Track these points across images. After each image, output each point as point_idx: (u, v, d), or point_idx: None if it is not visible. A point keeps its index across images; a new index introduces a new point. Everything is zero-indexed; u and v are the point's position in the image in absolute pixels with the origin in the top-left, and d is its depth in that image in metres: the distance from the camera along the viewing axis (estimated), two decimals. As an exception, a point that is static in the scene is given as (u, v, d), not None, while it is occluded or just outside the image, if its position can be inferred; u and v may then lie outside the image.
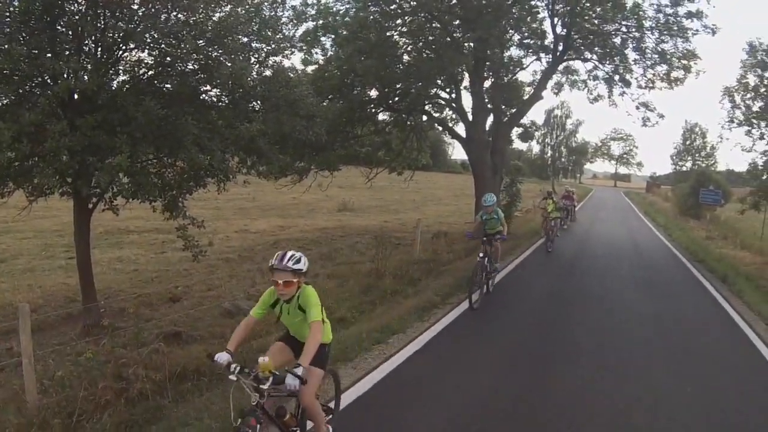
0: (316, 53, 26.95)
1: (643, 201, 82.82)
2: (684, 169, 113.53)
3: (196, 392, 9.18)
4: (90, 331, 12.65)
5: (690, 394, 9.86)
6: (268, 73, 13.78)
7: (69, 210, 15.34)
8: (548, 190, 35.12)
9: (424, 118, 31.75)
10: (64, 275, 19.18)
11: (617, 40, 27.73)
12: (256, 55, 13.57)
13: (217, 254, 23.00)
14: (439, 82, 28.20)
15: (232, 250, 24.64)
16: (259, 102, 14.04)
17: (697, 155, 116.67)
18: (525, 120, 32.71)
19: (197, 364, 9.78)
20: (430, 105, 30.87)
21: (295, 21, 24.05)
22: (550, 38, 28.75)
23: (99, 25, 11.19)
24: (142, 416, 8.19)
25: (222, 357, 6.16)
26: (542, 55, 29.49)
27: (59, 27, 10.99)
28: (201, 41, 11.88)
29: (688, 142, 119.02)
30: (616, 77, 29.10)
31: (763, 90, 25.24)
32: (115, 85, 12.04)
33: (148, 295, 16.42)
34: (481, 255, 15.58)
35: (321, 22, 25.84)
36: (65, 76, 10.49)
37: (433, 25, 26.27)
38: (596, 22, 26.93)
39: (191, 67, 12.29)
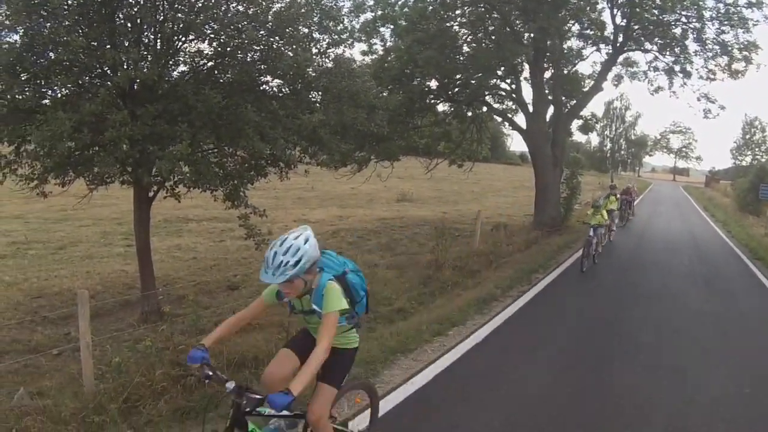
0: (376, 44, 26.93)
1: (702, 196, 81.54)
2: (744, 163, 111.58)
3: (254, 380, 9.14)
4: (148, 318, 12.77)
5: (749, 395, 9.63)
6: (329, 64, 13.69)
7: (127, 198, 15.48)
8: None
9: (484, 109, 31.52)
10: (122, 262, 19.39)
11: (677, 31, 27.19)
12: (317, 46, 13.50)
13: (277, 244, 23.04)
14: (499, 73, 28.00)
15: (291, 240, 24.63)
16: (320, 93, 13.97)
17: (757, 150, 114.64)
18: (585, 112, 32.36)
19: (255, 352, 9.77)
20: (490, 96, 30.63)
21: (354, 11, 24.04)
22: (609, 29, 28.36)
23: (158, 16, 11.23)
24: (198, 403, 8.18)
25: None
26: (602, 46, 29.10)
27: (118, 18, 11.05)
28: (261, 31, 11.87)
29: (747, 136, 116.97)
30: (677, 68, 28.55)
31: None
32: (175, 76, 12.09)
33: (207, 282, 16.51)
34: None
35: (380, 12, 25.82)
36: (125, 66, 10.52)
37: (493, 15, 26.07)
38: (656, 12, 26.37)
39: (251, 57, 12.26)
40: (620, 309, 14.99)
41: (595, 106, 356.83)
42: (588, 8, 26.84)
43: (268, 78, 13.04)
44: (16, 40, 10.16)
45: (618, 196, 28.61)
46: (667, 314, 14.64)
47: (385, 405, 8.19)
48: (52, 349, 10.92)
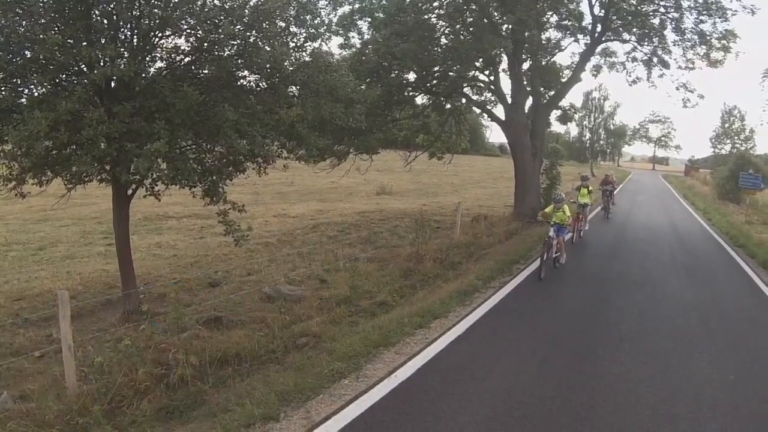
0: (353, 37, 26.87)
1: (682, 184, 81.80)
2: (723, 152, 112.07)
3: (237, 378, 9.18)
4: (130, 317, 12.73)
5: (732, 382, 9.72)
6: (306, 58, 13.66)
7: (107, 197, 15.42)
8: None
9: (463, 101, 31.58)
10: (103, 262, 19.32)
11: (656, 21, 27.26)
12: (294, 40, 13.47)
13: (256, 239, 23.02)
14: (477, 64, 27.99)
15: (271, 235, 24.69)
16: (298, 87, 13.94)
17: (736, 138, 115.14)
18: (564, 102, 32.37)
19: (238, 349, 9.79)
20: (469, 88, 30.62)
21: (332, 4, 24.00)
22: (588, 19, 28.40)
23: (134, 12, 11.15)
24: (182, 402, 8.22)
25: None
26: (580, 36, 29.15)
27: (94, 15, 10.97)
28: (238, 26, 11.81)
29: (726, 125, 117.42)
30: (655, 59, 28.66)
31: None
32: (152, 72, 12.04)
33: (188, 280, 16.46)
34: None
35: (357, 5, 25.73)
36: (101, 63, 10.45)
37: (471, 6, 26.04)
38: (634, 2, 26.50)
39: (229, 52, 12.22)
40: (603, 298, 15.09)
41: (573, 97, 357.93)
42: (566, -1, 26.90)
43: (246, 73, 13.02)
44: (-9, 39, 10.10)
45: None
46: (649, 303, 14.73)
47: (368, 399, 8.22)
48: (34, 352, 10.86)
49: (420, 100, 31.19)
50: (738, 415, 8.47)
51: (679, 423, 8.08)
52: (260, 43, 12.19)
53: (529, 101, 29.59)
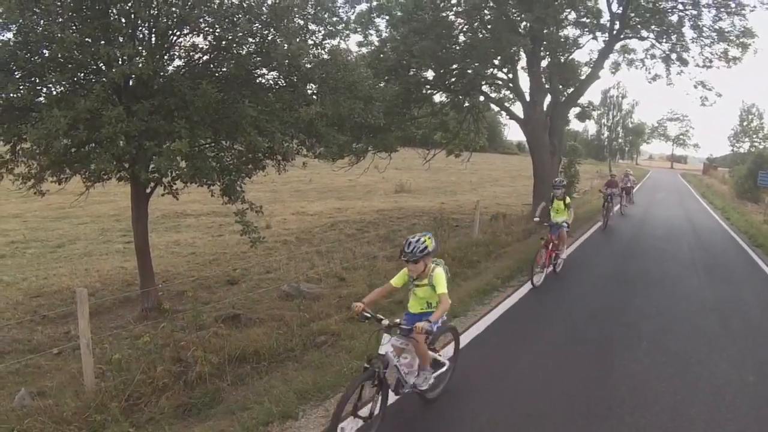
0: (371, 35, 26.84)
1: (700, 183, 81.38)
2: (741, 150, 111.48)
3: (256, 375, 9.16)
4: (148, 315, 12.78)
5: (752, 384, 9.61)
6: (325, 55, 13.64)
7: (126, 195, 15.46)
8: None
9: (481, 98, 31.44)
10: (121, 259, 19.38)
11: (674, 18, 27.07)
12: (313, 38, 13.45)
13: (275, 236, 23.07)
14: (495, 62, 27.85)
15: (289, 233, 24.73)
16: (316, 84, 13.92)
17: (754, 136, 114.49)
18: (582, 100, 32.15)
19: (256, 347, 9.77)
20: (487, 86, 30.50)
21: (350, 2, 23.99)
22: (606, 17, 28.21)
23: (152, 11, 11.14)
24: (200, 400, 8.21)
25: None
26: (598, 33, 28.92)
27: (112, 14, 10.97)
28: (256, 24, 11.80)
29: (745, 123, 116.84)
30: (674, 56, 28.51)
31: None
32: (170, 70, 12.05)
33: (206, 278, 16.50)
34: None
35: (375, 3, 25.73)
36: (119, 62, 10.45)
37: (489, 4, 25.94)
38: (652, -1, 26.39)
39: (247, 50, 12.20)
40: (622, 296, 15.00)
41: (592, 95, 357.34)
42: (584, -4, 26.78)
43: (264, 71, 13.00)
44: (9, 38, 10.13)
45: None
46: (668, 301, 14.65)
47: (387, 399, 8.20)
48: (53, 349, 10.90)
49: (438, 98, 31.19)
50: (758, 416, 8.39)
51: (698, 424, 8.01)
52: (278, 40, 12.17)
53: (548, 99, 29.43)
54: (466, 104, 31.41)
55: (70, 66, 10.63)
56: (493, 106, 33.91)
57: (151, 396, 8.04)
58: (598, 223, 27.56)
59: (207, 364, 8.87)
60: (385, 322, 7.20)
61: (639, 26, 27.95)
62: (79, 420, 7.40)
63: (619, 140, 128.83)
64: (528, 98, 28.58)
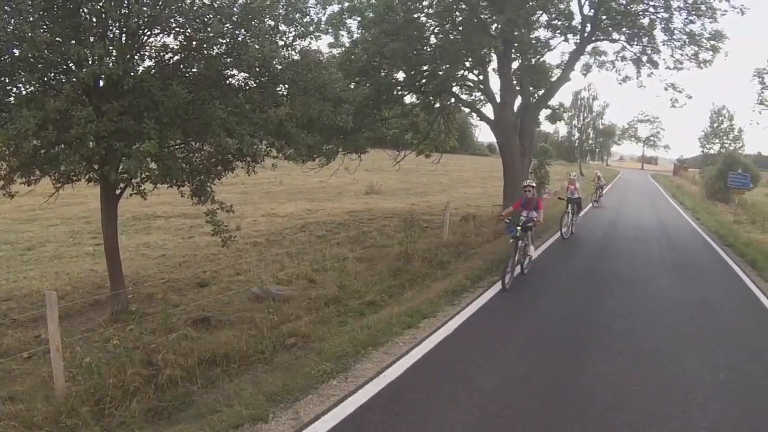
0: (343, 36, 26.85)
1: (671, 184, 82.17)
2: (712, 152, 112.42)
3: (226, 378, 9.17)
4: (118, 318, 12.68)
5: (722, 382, 9.74)
6: (295, 56, 13.65)
7: (96, 196, 15.37)
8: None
9: (452, 100, 31.59)
10: (91, 261, 19.26)
11: (645, 21, 27.29)
12: (284, 39, 13.46)
13: (245, 238, 23.02)
14: (466, 64, 27.99)
15: (259, 234, 24.67)
16: (286, 85, 13.93)
17: (724, 138, 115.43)
18: (553, 102, 32.46)
19: (226, 350, 9.77)
20: (458, 87, 30.66)
21: (321, 3, 24.02)
22: (577, 19, 28.33)
23: (123, 10, 11.09)
24: (171, 403, 8.20)
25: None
26: (570, 36, 29.01)
27: (83, 13, 10.92)
28: (227, 24, 11.78)
29: (715, 125, 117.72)
30: (644, 58, 28.75)
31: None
32: (140, 71, 11.99)
33: (176, 280, 16.44)
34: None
35: (347, 4, 25.72)
36: (90, 62, 10.41)
37: (461, 6, 26.01)
38: (623, 2, 26.53)
39: (217, 50, 12.19)
40: (592, 298, 15.11)
41: (563, 97, 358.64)
42: (556, -1, 26.89)
43: (234, 71, 12.99)
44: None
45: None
46: (639, 302, 14.77)
47: (357, 399, 8.22)
48: (23, 353, 10.82)
49: (409, 99, 31.18)
50: (729, 414, 8.48)
51: (669, 422, 8.07)
52: (249, 41, 12.17)
53: (519, 101, 29.60)
54: (437, 105, 31.56)
55: (40, 66, 10.54)
56: (463, 107, 34.07)
57: (121, 400, 8.02)
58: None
59: (177, 367, 8.86)
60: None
61: (610, 28, 28.13)
62: (50, 424, 7.37)
63: (590, 141, 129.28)
64: (499, 100, 28.75)
